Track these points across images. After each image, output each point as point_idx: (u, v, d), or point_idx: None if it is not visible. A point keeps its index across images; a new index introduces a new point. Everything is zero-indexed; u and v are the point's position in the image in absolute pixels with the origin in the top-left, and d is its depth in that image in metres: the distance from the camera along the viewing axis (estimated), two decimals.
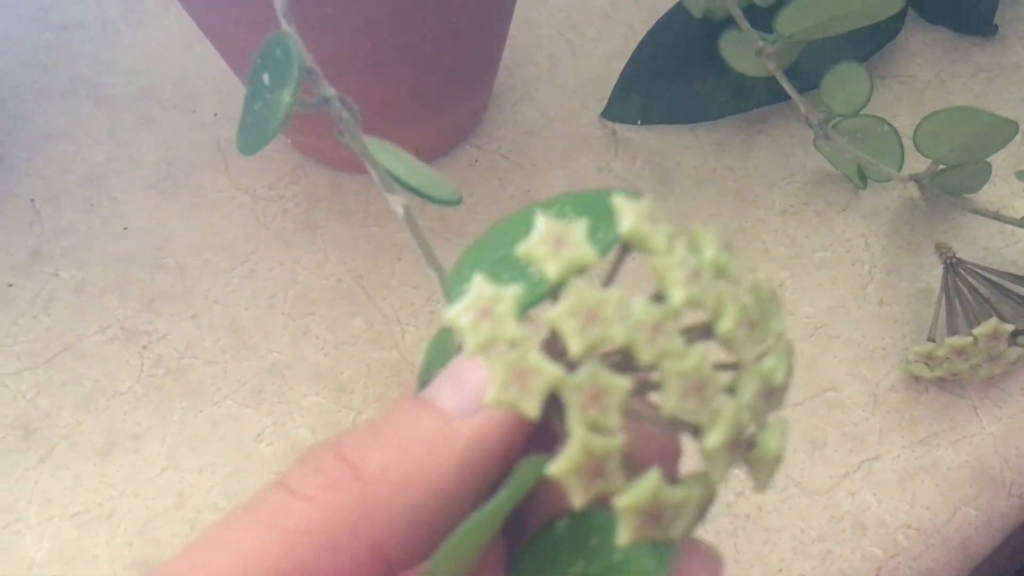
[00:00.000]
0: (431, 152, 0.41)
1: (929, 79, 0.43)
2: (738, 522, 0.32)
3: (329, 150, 0.40)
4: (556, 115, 0.42)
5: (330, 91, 0.25)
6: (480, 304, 0.14)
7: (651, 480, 0.14)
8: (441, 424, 0.15)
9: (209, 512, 0.33)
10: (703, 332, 0.15)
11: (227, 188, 0.41)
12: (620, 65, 0.42)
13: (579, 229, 0.15)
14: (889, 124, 0.37)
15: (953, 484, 0.33)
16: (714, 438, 0.14)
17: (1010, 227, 0.38)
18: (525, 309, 0.15)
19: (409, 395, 0.17)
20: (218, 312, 0.37)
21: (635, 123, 0.42)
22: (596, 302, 0.14)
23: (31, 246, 0.39)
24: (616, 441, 0.14)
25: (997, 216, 0.36)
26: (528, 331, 0.15)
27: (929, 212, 0.39)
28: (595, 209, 0.17)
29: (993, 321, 0.32)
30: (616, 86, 0.42)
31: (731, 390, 0.15)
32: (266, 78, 0.25)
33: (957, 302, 0.35)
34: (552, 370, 0.14)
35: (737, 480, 0.33)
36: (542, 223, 0.15)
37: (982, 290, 0.35)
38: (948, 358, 0.33)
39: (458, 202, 0.26)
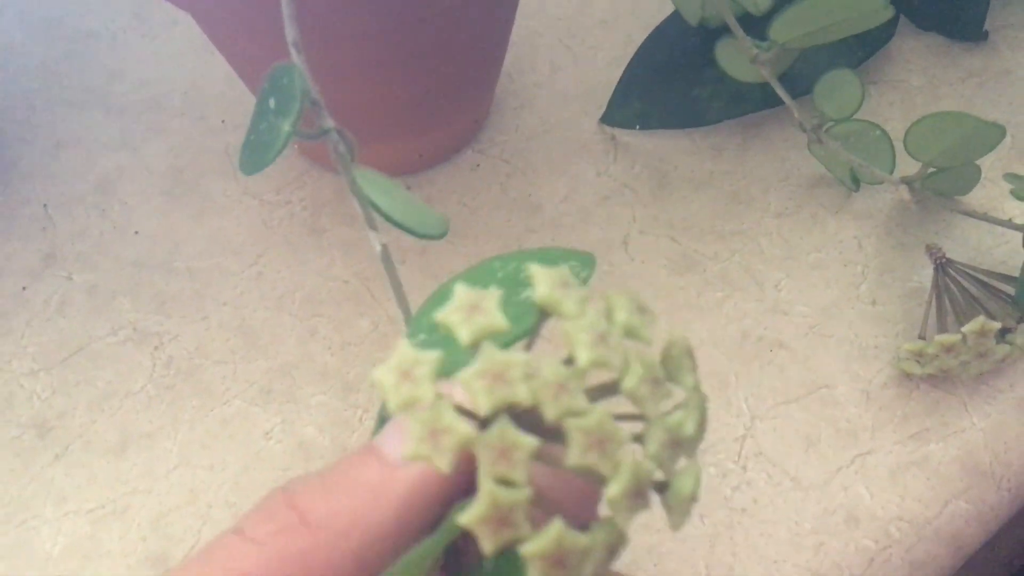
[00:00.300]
0: (435, 158, 0.42)
1: (920, 84, 0.44)
2: (735, 516, 0.33)
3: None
4: (556, 121, 0.43)
5: (329, 123, 0.26)
6: (402, 367, 0.16)
7: (554, 529, 0.15)
8: (384, 472, 0.16)
9: (220, 508, 0.34)
10: (614, 389, 0.16)
11: (235, 193, 0.42)
12: (618, 72, 0.43)
13: (492, 298, 0.16)
14: (881, 128, 0.38)
15: (944, 478, 0.34)
16: (615, 488, 0.15)
17: (999, 228, 0.39)
18: (446, 372, 0.16)
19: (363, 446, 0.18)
20: (227, 314, 0.38)
21: (634, 128, 0.43)
22: (504, 364, 0.15)
23: (45, 250, 0.40)
24: (522, 494, 0.15)
25: (986, 217, 0.37)
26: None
27: (920, 214, 0.40)
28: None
29: (981, 319, 0.32)
30: (615, 92, 0.43)
31: (640, 440, 0.16)
32: (272, 103, 0.26)
33: (947, 301, 0.36)
34: (463, 429, 0.15)
35: (733, 475, 0.34)
36: (459, 291, 0.16)
37: (972, 289, 0.36)
38: (938, 355, 0.33)
39: (442, 235, 0.27)
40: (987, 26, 0.45)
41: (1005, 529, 0.36)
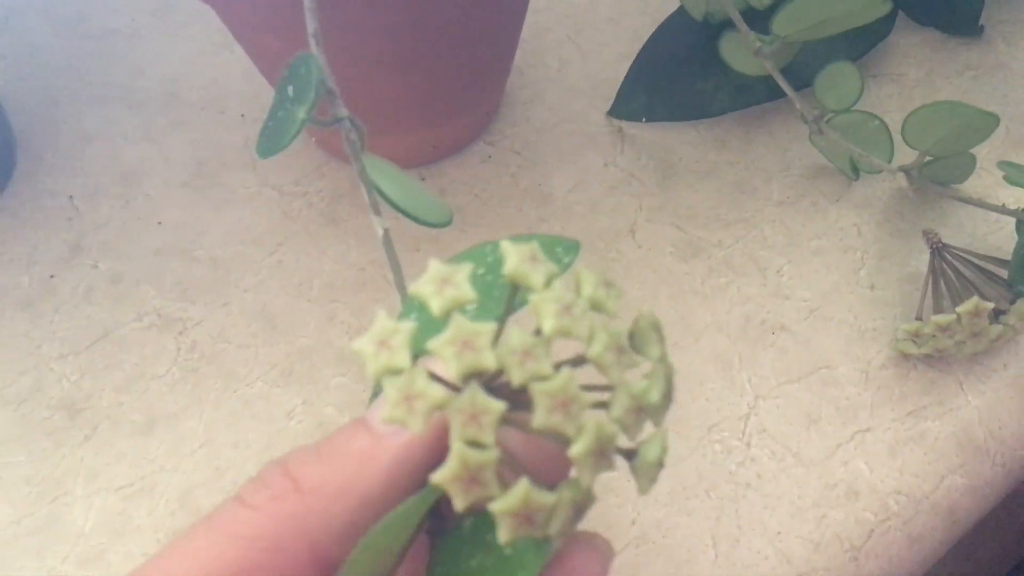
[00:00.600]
0: (448, 148, 0.43)
1: (918, 77, 0.45)
2: (740, 490, 0.34)
3: None
4: (565, 114, 0.45)
5: (343, 112, 0.28)
6: (380, 337, 0.17)
7: (522, 487, 0.16)
8: (371, 442, 0.18)
9: None
10: (583, 361, 0.17)
11: (255, 184, 0.43)
12: (625, 66, 0.44)
13: (462, 272, 0.17)
14: (879, 119, 0.39)
15: (940, 454, 0.35)
16: (579, 447, 0.16)
17: (993, 215, 0.40)
18: (420, 342, 0.17)
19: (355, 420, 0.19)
20: (249, 300, 0.40)
21: (640, 121, 0.44)
22: (472, 333, 0.16)
23: (71, 240, 0.42)
24: (491, 455, 0.16)
25: (981, 204, 0.38)
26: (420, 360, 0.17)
27: (917, 201, 0.41)
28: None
29: (975, 299, 0.34)
30: (622, 86, 0.44)
31: (606, 406, 0.17)
32: (290, 90, 0.27)
33: (943, 284, 0.37)
34: (435, 393, 0.16)
35: (738, 452, 0.35)
36: (432, 265, 0.17)
37: (967, 273, 0.37)
38: (934, 335, 0.35)
39: (447, 223, 0.28)
40: (982, 21, 0.46)
41: (1006, 517, 0.38)
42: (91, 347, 0.39)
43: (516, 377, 0.16)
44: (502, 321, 0.17)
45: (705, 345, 0.38)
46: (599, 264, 0.40)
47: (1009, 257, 0.37)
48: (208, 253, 0.41)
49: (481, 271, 0.21)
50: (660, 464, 0.17)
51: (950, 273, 0.37)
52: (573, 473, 0.16)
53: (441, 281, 0.17)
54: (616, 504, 0.34)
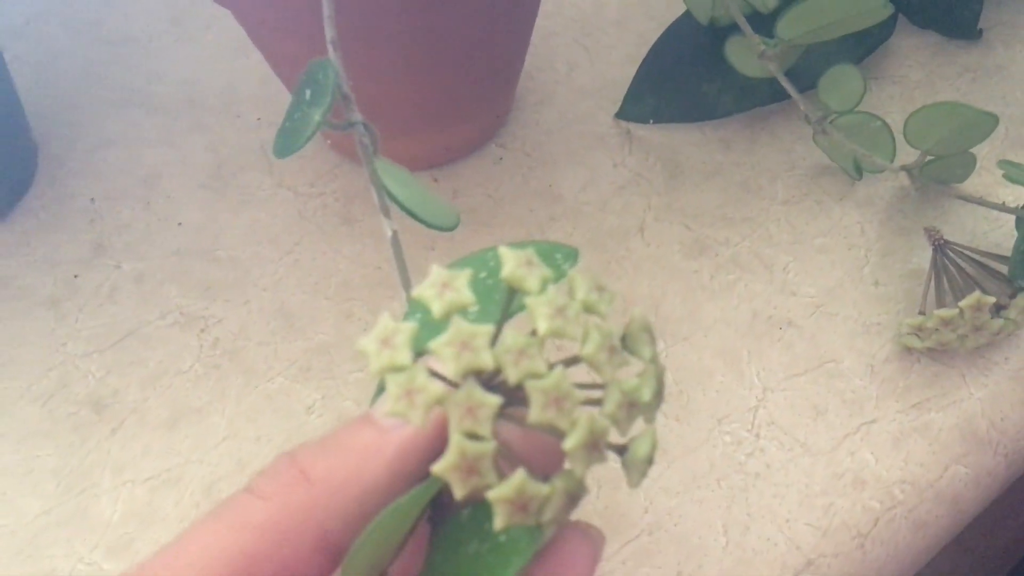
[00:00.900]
0: (461, 150, 0.44)
1: (919, 79, 0.46)
2: (749, 480, 0.35)
3: None
4: (574, 116, 0.46)
5: (357, 117, 0.29)
6: (383, 336, 0.17)
7: (518, 477, 0.17)
8: (376, 435, 0.19)
9: None
10: (576, 361, 0.18)
11: (271, 186, 0.44)
12: (632, 69, 0.45)
13: (462, 277, 0.18)
14: (881, 120, 0.41)
15: (944, 444, 0.36)
16: (572, 440, 0.17)
17: (994, 213, 0.41)
18: (422, 342, 0.18)
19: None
20: (268, 298, 0.41)
21: (647, 122, 0.45)
22: (470, 334, 0.17)
23: (94, 241, 0.43)
24: (487, 446, 0.17)
25: (982, 202, 0.39)
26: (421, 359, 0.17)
27: (919, 200, 0.42)
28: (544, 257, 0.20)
29: (977, 293, 0.35)
30: (629, 89, 0.45)
31: (599, 403, 0.18)
32: (307, 94, 0.28)
33: (945, 280, 0.38)
34: (435, 388, 0.17)
35: (747, 443, 0.36)
36: (434, 270, 0.18)
37: (968, 269, 0.38)
38: (937, 329, 0.36)
39: (454, 227, 0.29)
40: (981, 24, 0.47)
41: (1009, 511, 0.39)
42: (116, 345, 0.40)
43: (512, 375, 0.17)
44: (500, 323, 0.18)
45: (714, 340, 0.39)
46: (609, 262, 0.41)
47: (1009, 253, 0.38)
48: (227, 253, 0.42)
49: (483, 275, 0.22)
50: (650, 460, 0.18)
51: (952, 269, 0.38)
52: (567, 465, 0.17)
53: (442, 285, 0.18)
54: (629, 494, 0.35)
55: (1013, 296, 0.36)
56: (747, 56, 0.41)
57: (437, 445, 0.18)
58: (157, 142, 0.46)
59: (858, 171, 0.42)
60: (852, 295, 0.40)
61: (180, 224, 0.43)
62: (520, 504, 0.17)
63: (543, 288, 0.18)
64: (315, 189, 0.44)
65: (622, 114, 0.45)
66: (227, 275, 0.41)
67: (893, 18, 0.47)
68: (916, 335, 0.37)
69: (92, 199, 0.44)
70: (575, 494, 0.18)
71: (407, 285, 0.28)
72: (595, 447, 0.17)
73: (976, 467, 0.36)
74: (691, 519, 0.35)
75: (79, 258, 0.42)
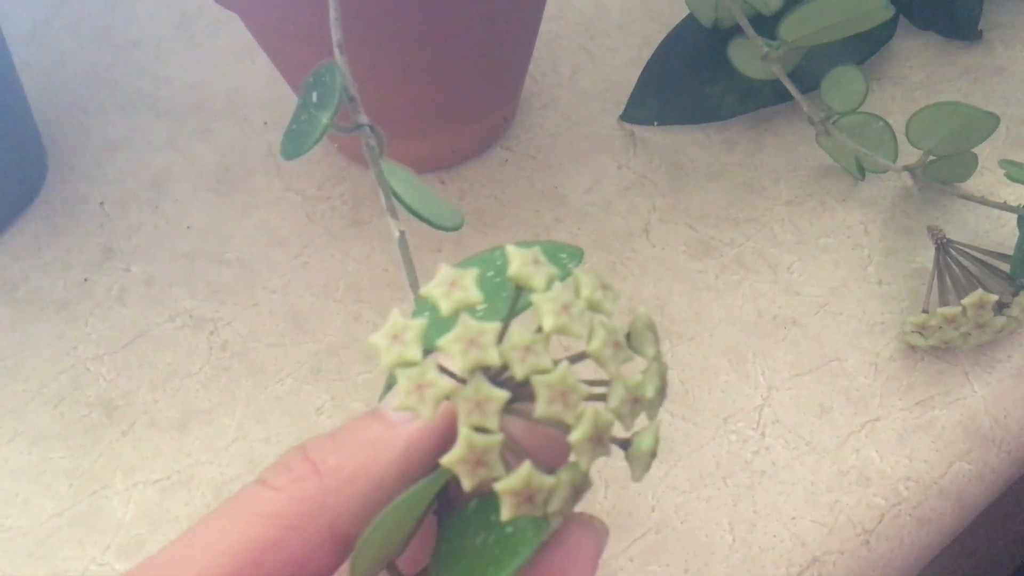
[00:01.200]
0: (467, 153, 0.44)
1: (920, 80, 0.47)
2: (755, 477, 0.36)
3: None
4: (578, 118, 0.46)
5: (364, 119, 0.29)
6: (393, 332, 0.18)
7: (524, 469, 0.17)
8: (385, 429, 0.19)
9: None
10: (582, 358, 0.19)
11: (279, 189, 0.44)
12: (636, 72, 0.45)
13: (470, 275, 0.18)
14: (884, 120, 0.41)
15: (948, 441, 0.36)
16: (577, 434, 0.17)
17: (996, 212, 0.41)
18: (431, 339, 0.18)
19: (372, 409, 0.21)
20: (277, 301, 0.41)
21: (651, 124, 0.45)
22: (478, 331, 0.17)
23: (103, 244, 0.43)
24: (495, 439, 0.17)
25: (984, 201, 0.40)
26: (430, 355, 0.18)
27: (922, 199, 0.42)
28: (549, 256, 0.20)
29: (979, 291, 0.35)
30: (633, 91, 0.45)
31: (604, 398, 0.18)
32: (314, 97, 0.28)
33: (948, 279, 0.39)
34: (444, 383, 0.17)
35: (753, 441, 0.37)
36: (442, 269, 0.18)
37: (971, 267, 0.39)
38: (940, 327, 0.36)
39: (458, 227, 0.29)
40: (982, 25, 0.48)
41: (1013, 510, 0.39)
42: (126, 347, 0.40)
43: (519, 371, 0.17)
44: (507, 320, 0.19)
45: (719, 340, 0.39)
46: (615, 263, 0.41)
47: (1011, 252, 0.38)
48: (236, 256, 0.42)
49: (490, 273, 0.22)
50: (653, 454, 0.19)
51: (955, 268, 0.39)
52: (572, 458, 0.18)
53: (450, 284, 0.18)
54: (636, 492, 0.35)
55: (1015, 294, 0.37)
56: (750, 58, 0.41)
57: (444, 440, 0.19)
58: (165, 146, 0.46)
59: (861, 171, 0.43)
60: (856, 294, 0.40)
61: (189, 227, 0.43)
62: (527, 495, 0.17)
63: (549, 286, 0.18)
64: (323, 192, 0.44)
65: (626, 116, 0.46)
66: (236, 278, 0.42)
67: (894, 20, 0.47)
68: (920, 333, 0.37)
69: (101, 203, 0.44)
70: (580, 486, 0.18)
71: (415, 286, 0.29)
72: (600, 441, 0.18)
73: (980, 464, 0.36)
74: (698, 517, 0.35)
75: (89, 261, 0.43)
